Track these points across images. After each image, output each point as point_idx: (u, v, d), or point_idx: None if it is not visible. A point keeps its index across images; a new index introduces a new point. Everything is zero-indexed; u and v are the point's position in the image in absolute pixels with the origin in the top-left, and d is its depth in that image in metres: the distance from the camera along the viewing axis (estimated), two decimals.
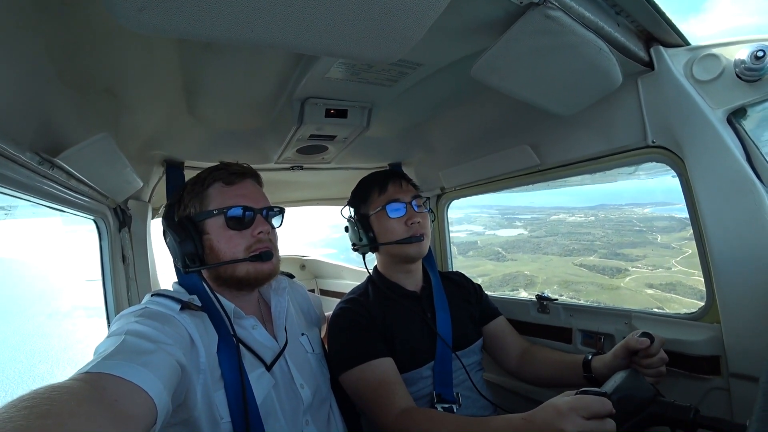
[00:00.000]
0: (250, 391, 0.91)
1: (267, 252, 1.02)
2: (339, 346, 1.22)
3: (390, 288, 1.36)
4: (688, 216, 1.15)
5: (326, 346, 1.31)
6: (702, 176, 1.06)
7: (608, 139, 1.27)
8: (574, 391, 0.79)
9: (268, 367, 0.99)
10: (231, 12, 0.58)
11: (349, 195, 1.47)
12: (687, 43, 1.07)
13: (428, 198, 1.40)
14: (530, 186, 1.67)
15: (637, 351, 1.01)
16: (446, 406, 1.21)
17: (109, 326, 1.44)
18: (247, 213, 1.02)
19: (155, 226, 1.73)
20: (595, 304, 1.51)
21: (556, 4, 0.80)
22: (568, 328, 1.54)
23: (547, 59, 0.93)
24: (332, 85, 1.14)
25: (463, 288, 1.51)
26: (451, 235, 2.16)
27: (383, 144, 1.74)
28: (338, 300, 1.38)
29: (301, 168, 1.81)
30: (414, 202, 1.34)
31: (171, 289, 1.06)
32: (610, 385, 0.84)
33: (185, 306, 0.89)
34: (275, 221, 1.12)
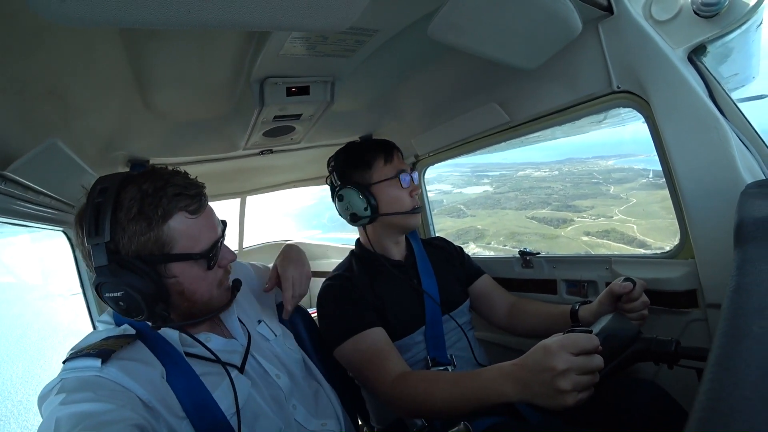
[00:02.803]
0: (216, 405, 0.82)
1: (236, 281, 0.96)
2: (328, 321, 1.23)
3: (375, 259, 1.36)
4: (647, 164, 1.17)
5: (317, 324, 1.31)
6: (667, 116, 1.07)
7: (574, 88, 1.26)
8: (562, 333, 0.82)
9: (240, 369, 0.91)
10: None
11: (323, 174, 1.44)
12: None
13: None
14: (504, 144, 1.67)
15: (621, 296, 1.04)
16: (441, 368, 1.24)
17: None
18: (218, 247, 0.88)
19: None
20: (576, 254, 1.55)
21: None
22: (552, 280, 1.58)
23: (503, 11, 0.91)
24: (289, 62, 1.10)
25: (445, 251, 1.53)
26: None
27: (352, 117, 1.71)
28: None
29: (271, 151, 1.77)
30: (413, 174, 1.35)
31: (96, 328, 0.90)
32: (596, 328, 0.87)
33: (106, 356, 0.74)
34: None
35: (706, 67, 1.05)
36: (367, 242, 1.38)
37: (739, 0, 0.93)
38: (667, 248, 1.26)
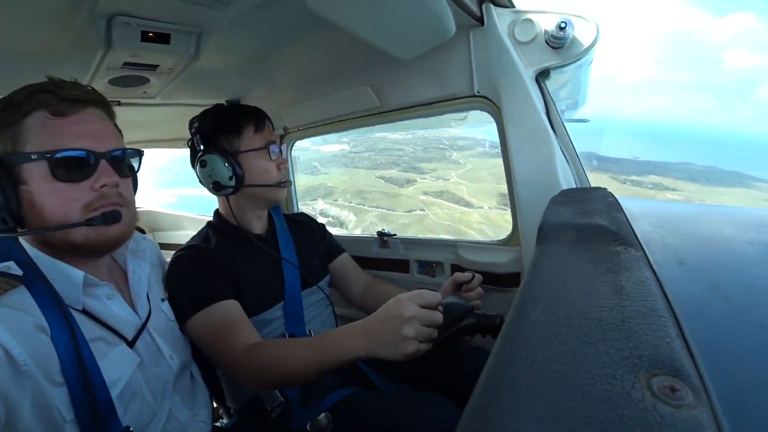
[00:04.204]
0: (101, 377, 0.74)
1: (113, 213, 0.79)
2: (179, 292, 1.12)
3: (235, 231, 1.30)
4: (486, 135, 1.33)
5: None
6: (512, 125, 1.22)
7: (442, 86, 1.36)
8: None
9: (131, 344, 0.85)
10: None
11: (181, 136, 1.30)
12: (512, 5, 1.17)
13: None
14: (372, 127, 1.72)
15: (462, 284, 1.18)
16: None
17: None
18: (84, 158, 0.76)
19: None
20: (427, 237, 1.70)
21: None
22: (405, 260, 1.71)
23: None
24: (147, 2, 0.95)
25: (307, 227, 1.53)
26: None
27: (219, 77, 1.55)
28: None
29: (119, 104, 1.51)
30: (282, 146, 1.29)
31: None
32: None
33: None
34: (134, 164, 0.90)
35: (547, 89, 1.22)
36: (229, 213, 1.30)
37: (578, 40, 1.10)
38: (502, 236, 1.47)
